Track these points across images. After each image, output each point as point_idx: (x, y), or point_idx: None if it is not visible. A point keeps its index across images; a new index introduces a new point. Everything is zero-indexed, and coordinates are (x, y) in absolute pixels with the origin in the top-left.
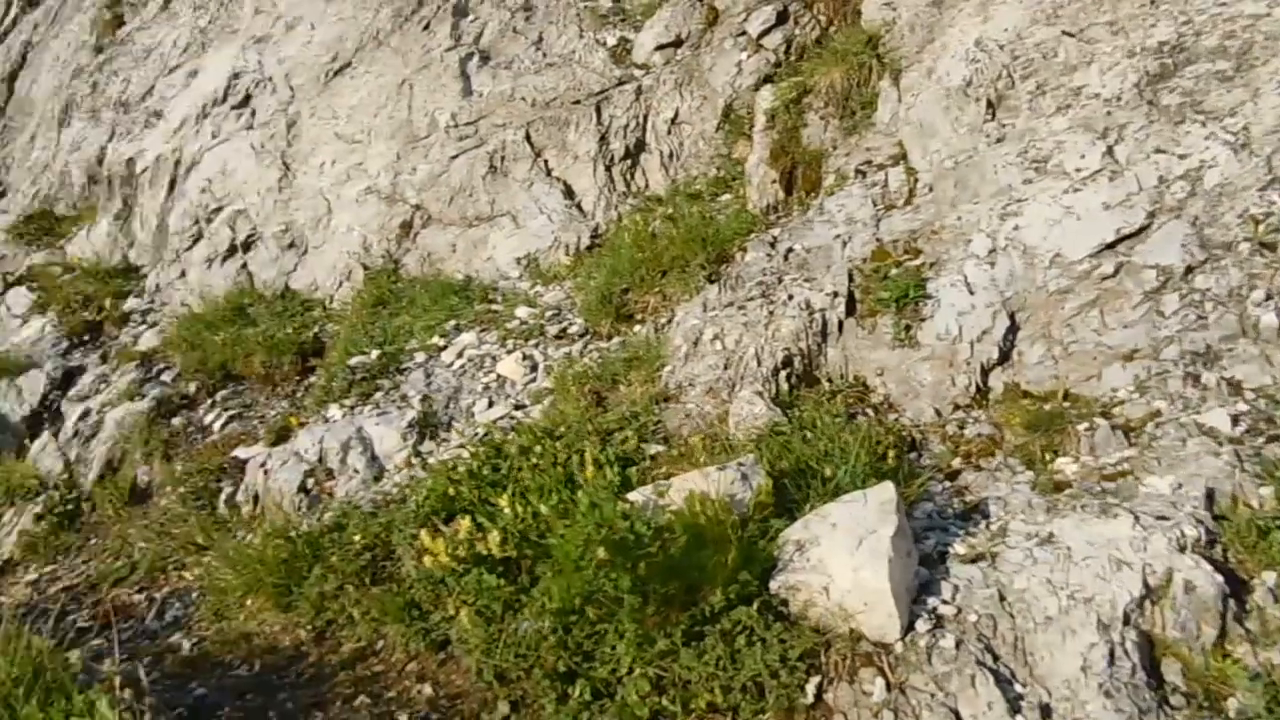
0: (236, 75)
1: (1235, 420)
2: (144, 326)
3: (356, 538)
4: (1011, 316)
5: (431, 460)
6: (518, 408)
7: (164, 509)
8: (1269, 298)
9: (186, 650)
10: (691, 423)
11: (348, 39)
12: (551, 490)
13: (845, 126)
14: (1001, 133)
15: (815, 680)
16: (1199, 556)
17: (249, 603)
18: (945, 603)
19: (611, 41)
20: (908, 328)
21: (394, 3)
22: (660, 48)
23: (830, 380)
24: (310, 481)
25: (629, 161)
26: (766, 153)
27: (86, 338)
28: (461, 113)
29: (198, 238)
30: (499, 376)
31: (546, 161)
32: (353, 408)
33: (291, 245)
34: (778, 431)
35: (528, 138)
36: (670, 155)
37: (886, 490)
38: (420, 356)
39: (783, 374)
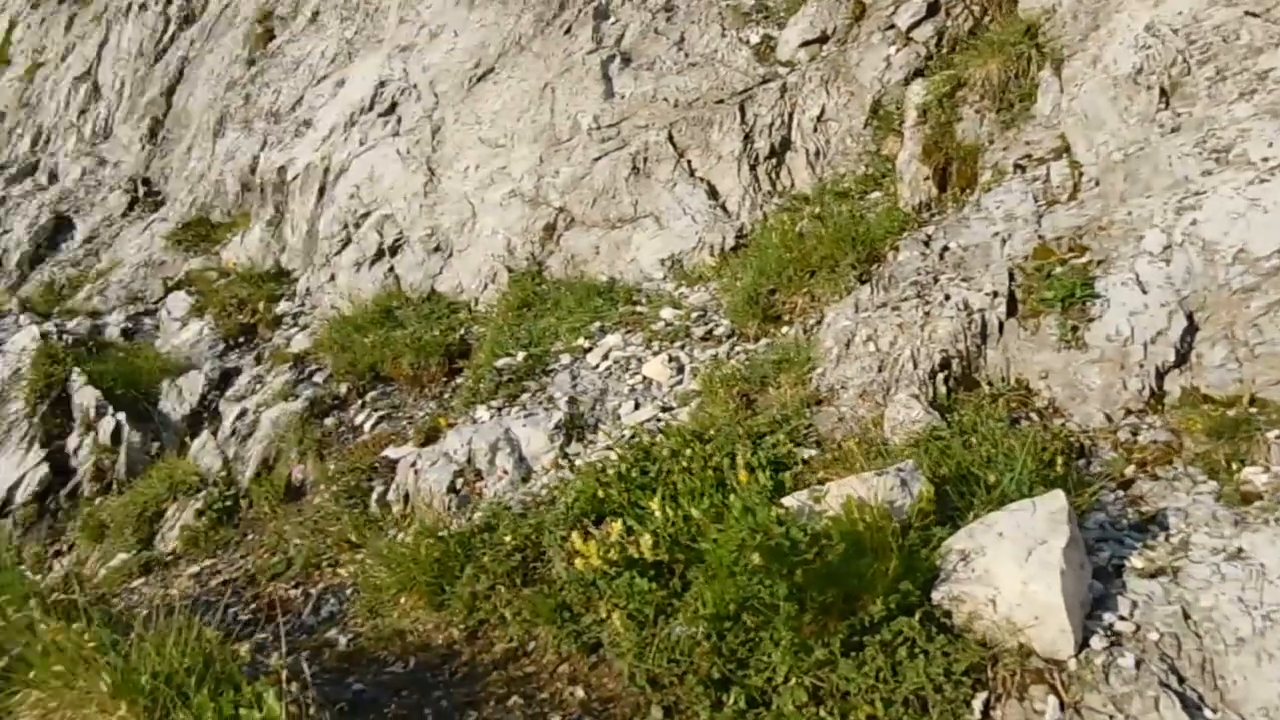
0: (382, 83)
1: None
2: (295, 329)
3: (507, 538)
4: (1189, 316)
5: (579, 462)
6: (665, 410)
7: (317, 507)
8: None
9: (343, 646)
10: (845, 426)
11: (490, 45)
12: (703, 494)
13: (1002, 120)
14: (1176, 122)
15: (982, 696)
16: None
17: (402, 600)
18: (1123, 619)
19: (755, 39)
20: (1074, 328)
21: (535, 8)
22: (805, 44)
23: (990, 383)
24: (459, 482)
25: (774, 160)
26: (918, 149)
27: (241, 340)
28: (603, 115)
29: (346, 242)
30: (645, 378)
31: (690, 162)
32: (500, 409)
33: (437, 249)
34: (936, 436)
35: (670, 138)
36: (816, 153)
37: (1056, 499)
38: (566, 358)
39: (940, 376)
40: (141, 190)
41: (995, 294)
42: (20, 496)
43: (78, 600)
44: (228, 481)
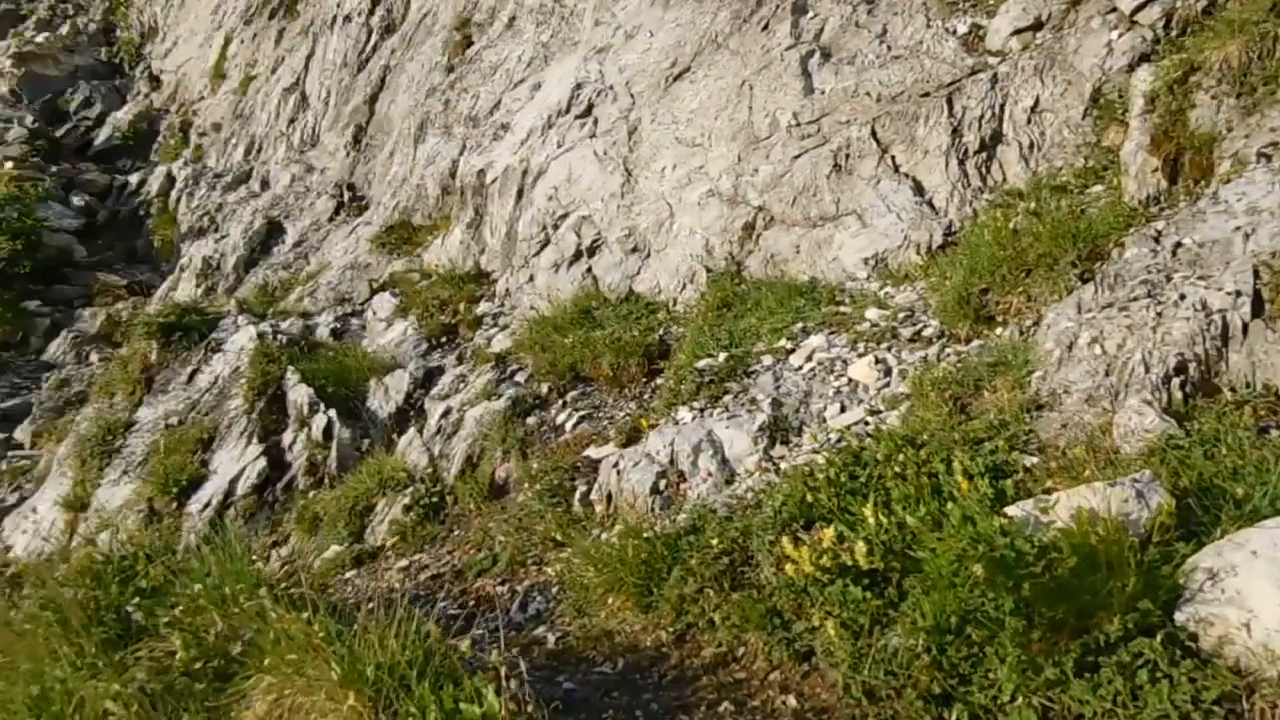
0: (579, 85)
1: None
2: (495, 329)
3: (714, 541)
4: None
5: (784, 465)
6: (872, 413)
7: (521, 505)
8: None
9: (551, 644)
10: (1069, 433)
11: (686, 44)
12: (918, 501)
13: (1243, 106)
14: None
15: None
16: None
17: (610, 601)
18: None
19: (962, 29)
20: None
21: (732, 5)
22: (1017, 32)
23: (1234, 389)
24: (662, 483)
25: (984, 155)
26: (1146, 139)
27: (443, 340)
28: (803, 111)
29: (545, 244)
30: (850, 380)
31: (894, 158)
32: (702, 410)
33: (635, 249)
34: (1174, 445)
35: (873, 134)
36: (1030, 146)
37: None
38: (768, 359)
39: (1175, 381)
40: (346, 195)
41: (1238, 293)
42: (241, 488)
43: (303, 591)
44: (433, 478)
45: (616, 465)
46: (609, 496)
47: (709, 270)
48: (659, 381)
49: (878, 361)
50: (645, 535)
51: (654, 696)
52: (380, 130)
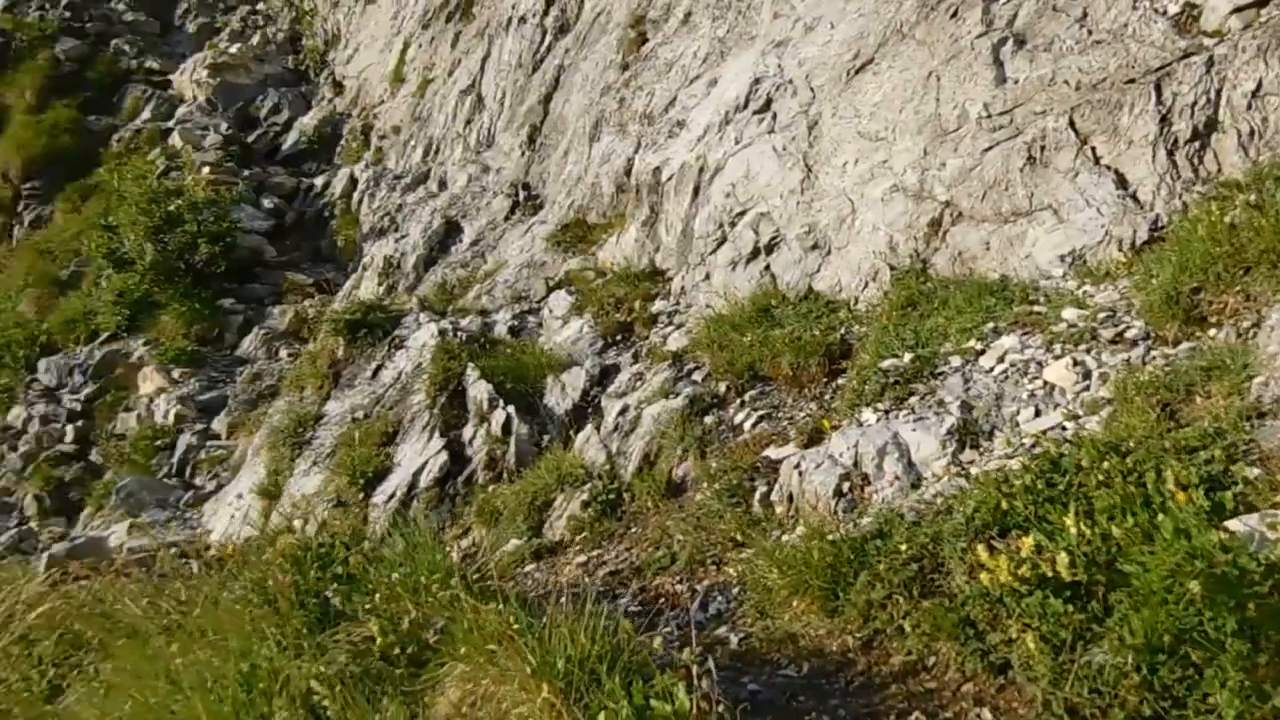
0: (757, 80)
1: None
2: (671, 327)
3: (902, 546)
4: None
5: (974, 470)
6: (1070, 418)
7: (699, 504)
8: None
9: (734, 644)
10: None
11: (869, 35)
12: (1124, 511)
13: None
14: None
15: None
16: None
17: (794, 603)
18: None
19: (1174, 9)
20: None
21: None
22: (1238, 10)
23: None
24: (846, 485)
25: (1196, 144)
26: None
27: (619, 337)
28: (994, 102)
29: (721, 241)
30: (1046, 383)
31: (1094, 149)
32: (886, 412)
33: (814, 246)
34: None
35: (1071, 124)
36: (1251, 134)
37: None
38: (956, 360)
39: None
40: (522, 194)
41: None
42: (424, 481)
43: (493, 582)
44: (611, 475)
45: (798, 466)
46: (790, 498)
47: (892, 268)
48: (840, 382)
49: (1076, 364)
50: (830, 538)
51: (841, 702)
52: (554, 130)
